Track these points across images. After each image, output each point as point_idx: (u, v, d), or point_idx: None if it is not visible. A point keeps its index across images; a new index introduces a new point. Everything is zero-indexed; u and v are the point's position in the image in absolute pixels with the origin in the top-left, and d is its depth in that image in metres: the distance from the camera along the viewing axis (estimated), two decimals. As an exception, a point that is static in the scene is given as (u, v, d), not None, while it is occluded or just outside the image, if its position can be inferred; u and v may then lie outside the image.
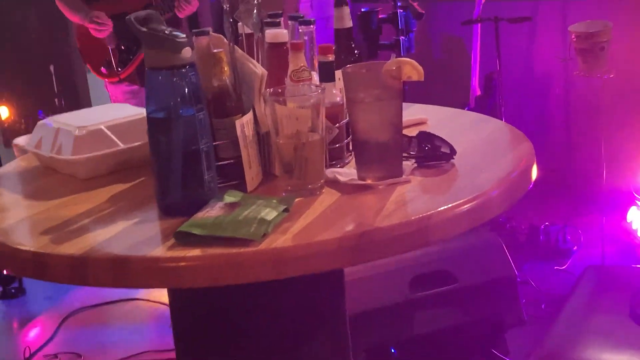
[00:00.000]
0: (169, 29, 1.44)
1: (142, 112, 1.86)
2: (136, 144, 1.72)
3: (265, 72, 1.57)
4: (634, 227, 3.90)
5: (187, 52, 1.43)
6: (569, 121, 4.21)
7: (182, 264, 1.30)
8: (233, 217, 1.37)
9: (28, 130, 5.71)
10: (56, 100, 5.87)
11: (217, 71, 1.57)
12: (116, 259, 1.33)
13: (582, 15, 3.82)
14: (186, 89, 1.43)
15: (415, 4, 3.39)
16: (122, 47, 3.60)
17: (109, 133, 1.72)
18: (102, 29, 3.48)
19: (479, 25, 4.48)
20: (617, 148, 3.80)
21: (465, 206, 1.41)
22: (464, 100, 4.53)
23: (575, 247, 4.03)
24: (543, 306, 3.57)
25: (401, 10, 3.53)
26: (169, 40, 1.42)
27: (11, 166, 1.88)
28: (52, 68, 5.83)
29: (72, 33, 5.97)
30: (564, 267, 3.90)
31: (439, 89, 5.15)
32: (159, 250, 1.33)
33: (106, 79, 3.72)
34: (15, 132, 5.60)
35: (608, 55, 2.87)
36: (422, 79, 1.47)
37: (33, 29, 5.68)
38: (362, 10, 3.77)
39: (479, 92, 4.48)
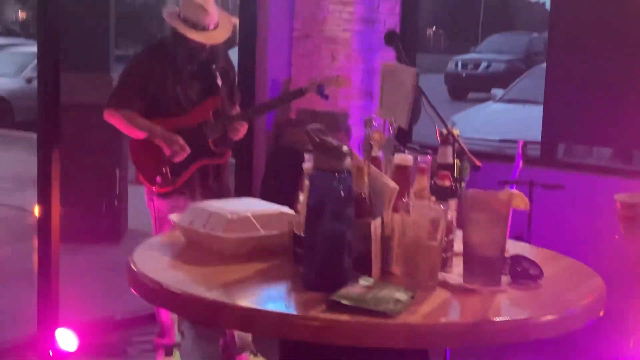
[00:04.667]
0: (336, 141, 1.82)
1: (278, 207, 2.22)
2: (274, 232, 2.07)
3: (397, 187, 1.94)
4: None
5: (348, 161, 1.80)
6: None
7: (335, 325, 1.62)
8: (373, 295, 1.71)
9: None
10: (116, 200, 6.32)
11: (359, 180, 1.93)
12: (281, 315, 1.65)
13: (611, 190, 4.20)
14: (342, 190, 1.79)
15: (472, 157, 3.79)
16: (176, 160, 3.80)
17: (254, 221, 2.07)
18: (183, 153, 3.68)
19: (514, 187, 4.87)
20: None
21: (554, 316, 1.75)
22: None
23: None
24: None
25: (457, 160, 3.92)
26: (336, 150, 1.79)
27: (161, 238, 2.22)
28: (117, 172, 6.30)
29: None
30: None
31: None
32: (315, 312, 1.66)
33: (160, 189, 3.80)
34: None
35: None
36: (528, 209, 1.84)
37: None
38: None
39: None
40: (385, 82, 2.15)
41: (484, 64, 20.48)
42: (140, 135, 3.75)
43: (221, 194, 3.89)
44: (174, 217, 2.22)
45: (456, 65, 20.69)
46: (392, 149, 2.05)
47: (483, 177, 5.59)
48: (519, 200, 1.87)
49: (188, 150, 3.71)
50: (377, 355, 1.72)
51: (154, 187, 3.75)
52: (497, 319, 1.69)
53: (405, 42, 5.48)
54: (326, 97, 4.08)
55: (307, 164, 1.99)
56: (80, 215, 6.10)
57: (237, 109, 3.95)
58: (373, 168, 2.00)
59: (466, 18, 35.27)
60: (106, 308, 4.87)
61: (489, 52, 21.17)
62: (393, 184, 1.94)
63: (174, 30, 3.73)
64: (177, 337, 4.01)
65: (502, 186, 4.85)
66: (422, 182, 1.97)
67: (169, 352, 4.01)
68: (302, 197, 2.03)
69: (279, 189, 4.93)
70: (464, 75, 20.51)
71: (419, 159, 2.07)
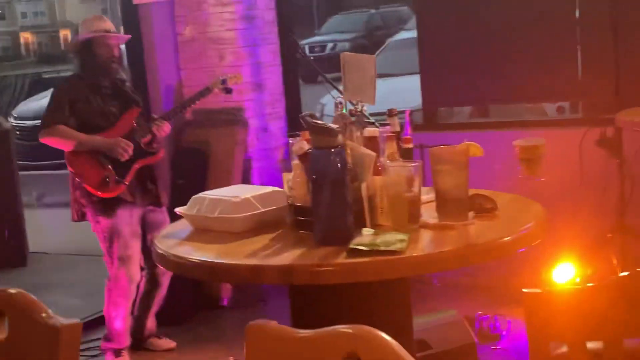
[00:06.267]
0: (326, 123, 2.21)
1: (267, 187, 2.59)
2: (273, 207, 2.45)
3: (375, 154, 2.35)
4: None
5: (340, 138, 2.20)
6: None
7: (360, 266, 2.03)
8: (381, 239, 2.12)
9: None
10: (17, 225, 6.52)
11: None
12: (313, 265, 2.04)
13: (491, 141, 4.77)
14: (339, 160, 2.19)
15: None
16: (118, 164, 4.12)
17: (254, 201, 2.44)
18: (128, 149, 4.10)
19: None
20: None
21: (516, 234, 2.22)
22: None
23: (504, 332, 4.83)
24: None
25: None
26: (330, 130, 2.19)
27: (173, 227, 2.55)
28: (14, 197, 6.50)
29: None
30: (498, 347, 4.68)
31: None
32: (340, 259, 2.06)
33: (109, 194, 4.11)
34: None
35: (542, 163, 3.83)
36: (482, 155, 2.30)
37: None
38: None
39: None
40: (347, 69, 2.55)
41: (330, 45, 21.13)
42: (78, 147, 4.08)
43: (158, 194, 4.27)
44: (180, 209, 2.56)
45: (304, 50, 21.19)
46: (363, 124, 2.46)
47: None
48: (474, 149, 2.33)
49: (131, 145, 4.10)
50: (365, 288, 2.14)
51: (100, 193, 4.06)
52: (478, 242, 2.15)
53: (289, 33, 5.90)
54: (230, 91, 4.65)
55: (295, 146, 2.36)
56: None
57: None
58: (351, 142, 2.40)
59: (301, 2, 35.84)
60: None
61: (333, 34, 21.85)
62: (371, 152, 2.35)
63: (81, 54, 4.21)
64: (127, 341, 4.31)
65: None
66: (391, 147, 2.40)
67: (117, 354, 4.30)
68: (290, 176, 2.41)
69: (188, 186, 5.25)
70: (312, 58, 21.07)
71: (382, 130, 2.50)
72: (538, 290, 1.52)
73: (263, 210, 2.43)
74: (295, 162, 2.37)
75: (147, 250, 4.22)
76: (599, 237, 4.33)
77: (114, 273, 4.18)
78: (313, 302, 2.30)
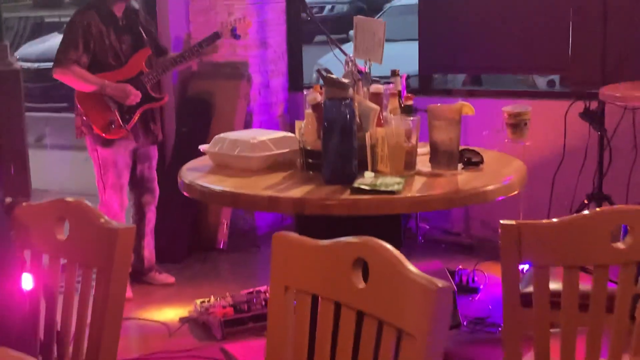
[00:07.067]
0: (339, 77, 2.51)
1: (281, 132, 2.89)
2: (286, 150, 2.76)
3: (379, 108, 2.66)
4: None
5: (350, 91, 2.50)
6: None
7: (362, 201, 2.35)
8: (381, 181, 2.44)
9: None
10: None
11: (351, 105, 2.63)
12: (322, 199, 2.36)
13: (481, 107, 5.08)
14: (348, 111, 2.50)
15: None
16: (124, 108, 4.38)
17: (269, 143, 2.75)
18: (135, 98, 4.34)
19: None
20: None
21: (498, 184, 2.55)
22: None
23: (481, 286, 5.19)
24: (465, 322, 4.68)
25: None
26: (342, 84, 2.49)
27: (196, 162, 2.86)
28: (21, 134, 6.71)
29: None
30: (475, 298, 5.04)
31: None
32: (345, 195, 2.38)
33: (112, 136, 4.38)
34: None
35: (529, 129, 4.15)
36: (474, 114, 2.62)
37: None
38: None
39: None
40: (358, 31, 2.86)
41: (328, 7, 21.23)
42: (90, 88, 4.30)
43: (158, 135, 4.55)
44: (203, 147, 2.87)
45: (312, 10, 21.18)
46: (370, 81, 2.77)
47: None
48: (467, 108, 2.64)
49: (139, 93, 4.32)
50: (366, 221, 2.46)
51: (104, 134, 4.32)
52: (464, 189, 2.47)
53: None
54: (239, 37, 4.74)
55: (309, 96, 2.67)
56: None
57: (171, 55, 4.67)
58: (358, 96, 2.71)
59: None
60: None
61: (331, -6, 21.92)
62: (375, 106, 2.66)
63: None
64: None
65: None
66: (394, 103, 2.71)
67: None
68: (302, 124, 2.71)
69: (191, 134, 5.53)
70: (309, 19, 21.13)
71: (386, 87, 2.81)
72: (513, 222, 1.84)
73: (277, 151, 2.75)
74: (308, 110, 2.67)
75: (135, 180, 4.53)
76: (577, 203, 4.66)
77: (106, 199, 4.44)
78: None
